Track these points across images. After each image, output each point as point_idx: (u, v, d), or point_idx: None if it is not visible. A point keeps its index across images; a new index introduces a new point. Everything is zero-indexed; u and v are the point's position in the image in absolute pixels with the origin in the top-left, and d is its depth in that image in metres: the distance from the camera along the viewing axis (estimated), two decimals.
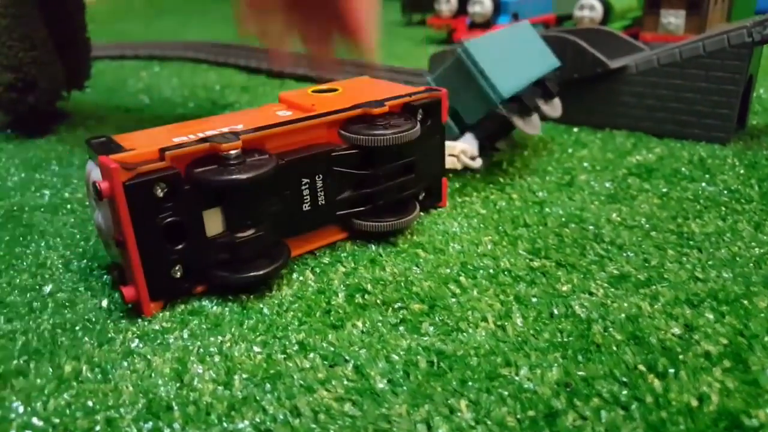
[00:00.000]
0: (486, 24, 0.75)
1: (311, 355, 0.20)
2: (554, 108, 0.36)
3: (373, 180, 0.26)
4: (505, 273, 0.24)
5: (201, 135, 0.23)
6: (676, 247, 0.26)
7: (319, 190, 0.25)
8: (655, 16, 0.64)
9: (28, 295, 0.24)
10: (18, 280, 0.25)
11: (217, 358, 0.20)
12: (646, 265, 0.24)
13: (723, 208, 0.29)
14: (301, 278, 0.24)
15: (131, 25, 1.08)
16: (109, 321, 0.22)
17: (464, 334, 0.20)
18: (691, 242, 0.26)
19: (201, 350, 0.20)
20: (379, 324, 0.21)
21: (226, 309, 0.22)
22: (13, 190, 0.34)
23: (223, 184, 0.21)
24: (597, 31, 0.46)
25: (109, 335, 0.21)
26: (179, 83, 0.62)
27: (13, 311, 0.23)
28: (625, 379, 0.18)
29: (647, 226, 0.28)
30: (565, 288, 0.23)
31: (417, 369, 0.19)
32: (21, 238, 0.28)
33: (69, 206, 0.32)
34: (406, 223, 0.27)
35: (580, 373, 0.18)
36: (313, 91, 0.29)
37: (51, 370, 0.19)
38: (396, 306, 0.22)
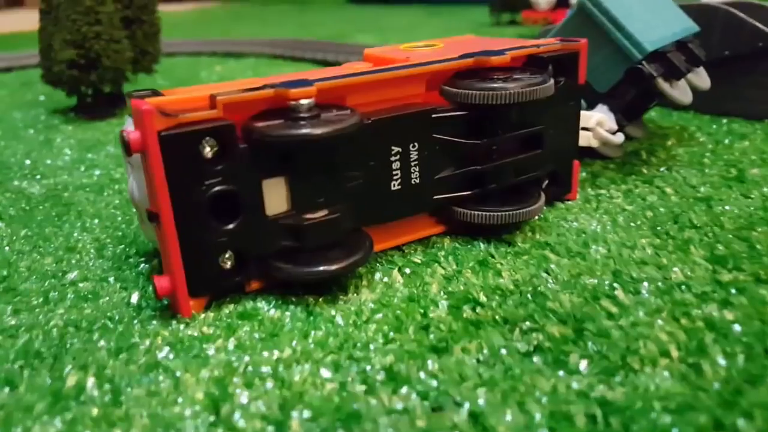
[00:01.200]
0: None
1: (404, 389, 0.13)
2: (702, 78, 0.28)
3: (485, 154, 0.20)
4: (682, 288, 0.17)
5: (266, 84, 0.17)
6: None
7: (413, 163, 0.19)
8: None
9: (46, 283, 0.19)
10: (39, 265, 0.20)
11: (270, 383, 0.14)
12: None
13: None
14: (386, 280, 0.18)
15: (212, 30, 1.07)
16: (135, 321, 0.16)
17: (638, 375, 0.13)
18: None
19: (250, 369, 0.14)
20: (503, 351, 0.14)
21: (287, 314, 0.16)
22: (61, 169, 0.30)
23: (291, 140, 0.15)
24: (748, 4, 0.37)
25: (132, 339, 0.15)
26: (253, 75, 0.58)
27: (23, 301, 0.18)
28: None
29: None
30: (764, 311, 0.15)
31: (571, 427, 0.12)
32: (56, 218, 0.24)
33: (116, 187, 0.27)
34: (529, 215, 0.20)
35: None
36: (410, 47, 0.23)
37: (49, 381, 0.14)
38: (525, 327, 0.15)
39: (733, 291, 0.17)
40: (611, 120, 0.25)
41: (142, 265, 0.20)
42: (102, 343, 0.15)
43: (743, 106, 0.34)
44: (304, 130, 0.15)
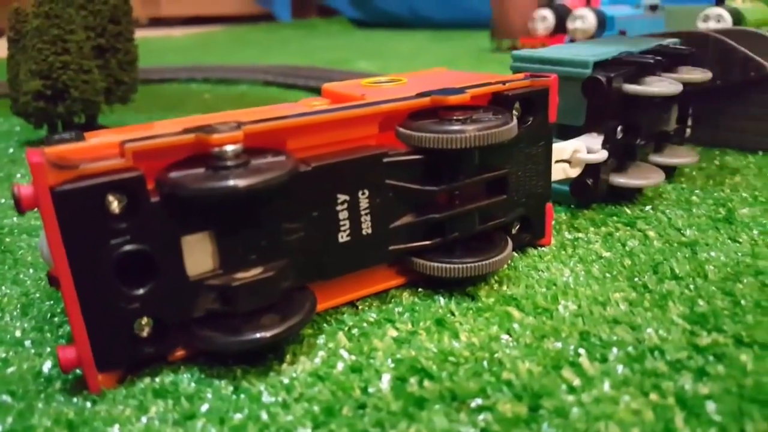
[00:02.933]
0: None
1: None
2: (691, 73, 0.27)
3: (444, 201, 0.18)
4: (655, 354, 0.15)
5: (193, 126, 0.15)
6: None
7: (363, 212, 0.17)
8: None
9: None
10: None
11: None
12: None
13: None
14: (330, 345, 0.16)
15: (212, 55, 1.07)
16: (40, 396, 0.15)
17: None
18: None
19: None
20: None
21: (209, 390, 0.15)
22: (12, 209, 0.29)
23: (210, 194, 0.14)
24: (741, 32, 0.36)
25: (32, 420, 0.14)
26: (241, 103, 0.57)
27: None
28: None
29: None
30: (754, 381, 0.14)
31: None
32: None
33: None
34: (494, 266, 0.18)
35: None
36: (372, 82, 0.21)
37: None
38: (474, 404, 0.13)
39: (711, 358, 0.15)
40: (593, 140, 0.23)
41: (66, 326, 0.18)
42: None
43: (737, 137, 0.33)
44: (226, 182, 0.14)
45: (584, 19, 0.66)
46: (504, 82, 0.19)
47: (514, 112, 0.19)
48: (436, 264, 0.18)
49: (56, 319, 0.18)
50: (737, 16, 0.57)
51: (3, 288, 0.20)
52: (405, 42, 1.15)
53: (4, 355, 0.16)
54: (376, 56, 0.91)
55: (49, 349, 0.17)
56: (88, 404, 0.14)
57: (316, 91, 0.59)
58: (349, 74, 0.64)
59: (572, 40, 0.68)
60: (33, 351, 0.17)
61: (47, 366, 0.16)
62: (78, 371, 0.15)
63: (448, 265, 0.18)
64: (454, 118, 0.17)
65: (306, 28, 1.52)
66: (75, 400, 0.14)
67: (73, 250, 0.13)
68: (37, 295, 0.20)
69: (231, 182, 0.14)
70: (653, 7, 0.66)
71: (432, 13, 1.32)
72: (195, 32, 1.45)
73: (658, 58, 0.25)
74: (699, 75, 0.26)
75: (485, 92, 0.19)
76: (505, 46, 0.99)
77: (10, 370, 0.16)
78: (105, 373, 0.14)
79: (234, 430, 0.13)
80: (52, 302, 0.19)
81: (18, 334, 0.17)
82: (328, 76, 0.64)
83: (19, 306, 0.19)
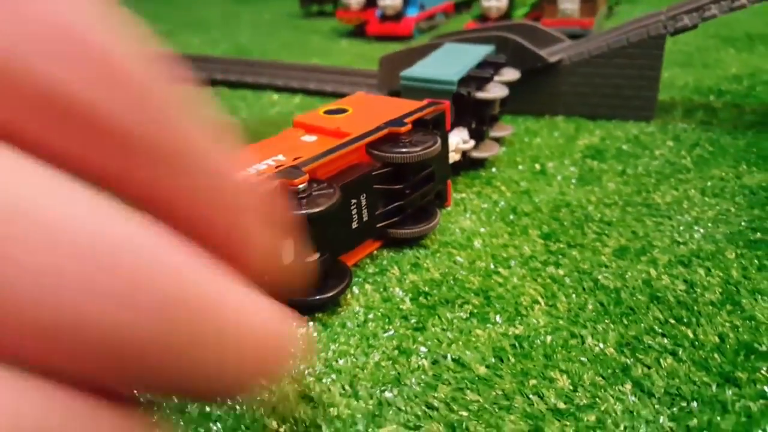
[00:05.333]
0: (397, 16, 0.79)
1: (413, 358, 0.23)
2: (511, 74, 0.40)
3: (403, 193, 0.29)
4: (533, 259, 0.28)
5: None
6: (650, 217, 0.31)
7: (363, 207, 0.28)
8: (552, 4, 0.71)
9: None
10: None
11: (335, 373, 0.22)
12: (636, 236, 0.30)
13: (671, 180, 0.35)
14: (361, 291, 0.27)
15: None
16: None
17: (526, 318, 0.24)
18: (660, 212, 0.32)
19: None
20: (455, 321, 0.25)
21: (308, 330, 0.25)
22: None
23: (303, 216, 0.24)
24: (525, 26, 0.51)
25: None
26: None
27: None
28: (663, 332, 0.23)
29: (621, 202, 0.33)
30: (584, 265, 0.28)
31: (505, 352, 0.23)
32: None
33: None
34: (435, 226, 0.30)
35: (630, 333, 0.23)
36: (325, 112, 0.31)
37: None
38: (459, 302, 0.26)
39: (560, 255, 0.29)
40: (462, 133, 0.36)
41: None
42: None
43: (530, 107, 0.48)
44: (311, 209, 0.24)
45: None
46: (421, 109, 0.31)
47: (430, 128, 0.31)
48: (403, 230, 0.29)
49: None
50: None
51: None
52: (209, 8, 1.17)
53: None
54: (196, 27, 0.94)
55: None
56: None
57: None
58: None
59: (383, 15, 0.80)
60: None
61: None
62: None
63: (410, 230, 0.30)
64: (406, 141, 0.28)
65: None
66: None
67: None
68: None
69: (309, 210, 0.24)
70: None
71: None
72: None
73: (490, 70, 0.38)
74: (514, 76, 0.40)
75: (415, 118, 0.30)
76: (313, 10, 1.08)
77: None
78: None
79: (343, 343, 0.24)
80: None
81: None
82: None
83: None
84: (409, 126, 0.29)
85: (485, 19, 0.71)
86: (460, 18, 0.94)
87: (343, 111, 0.32)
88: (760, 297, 0.25)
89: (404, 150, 0.28)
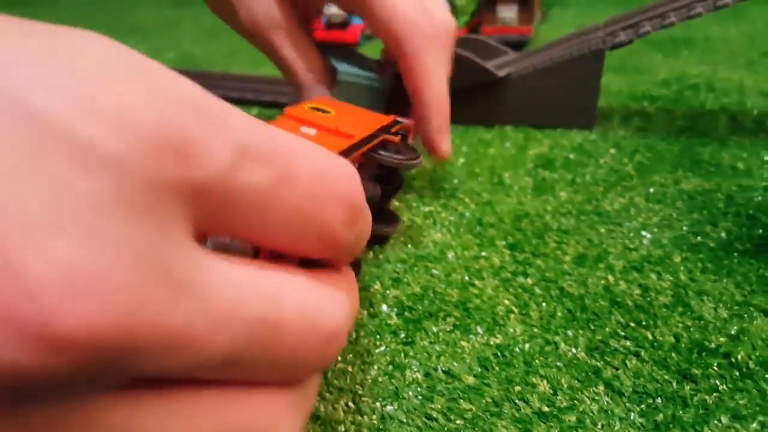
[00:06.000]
0: (343, 24, 0.80)
1: (407, 372, 0.24)
2: None
3: (389, 194, 0.31)
4: (503, 270, 0.31)
5: None
6: (603, 225, 0.34)
7: None
8: (492, 12, 0.74)
9: None
10: None
11: None
12: (592, 243, 0.33)
13: (617, 187, 0.39)
14: None
15: None
16: None
17: (504, 327, 0.27)
18: (610, 219, 0.35)
19: None
20: (440, 333, 0.26)
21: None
22: None
23: None
24: (470, 40, 0.54)
25: None
26: None
27: None
28: (625, 334, 0.26)
29: (574, 211, 0.36)
30: (549, 274, 0.30)
31: (489, 362, 0.25)
32: None
33: None
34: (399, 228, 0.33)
35: (597, 337, 0.26)
36: (311, 109, 0.32)
37: None
38: (442, 315, 0.28)
39: (526, 265, 0.31)
40: None
41: None
42: None
43: (480, 118, 0.50)
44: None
45: None
46: (394, 123, 0.32)
47: None
48: (388, 229, 0.31)
49: None
50: (452, 4, 0.76)
51: None
52: (147, 10, 1.14)
53: None
54: (136, 33, 0.92)
55: None
56: None
57: None
58: None
59: (329, 23, 0.81)
60: None
61: None
62: None
63: (389, 229, 0.31)
64: (398, 148, 0.30)
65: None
66: None
67: None
68: None
69: None
70: None
71: None
72: None
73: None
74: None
75: (398, 129, 0.32)
76: None
77: None
78: None
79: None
80: None
81: None
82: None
83: None
84: (400, 136, 0.30)
85: None
86: None
87: (326, 111, 0.32)
88: (705, 298, 0.28)
89: (406, 156, 0.29)
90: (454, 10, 0.73)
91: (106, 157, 0.09)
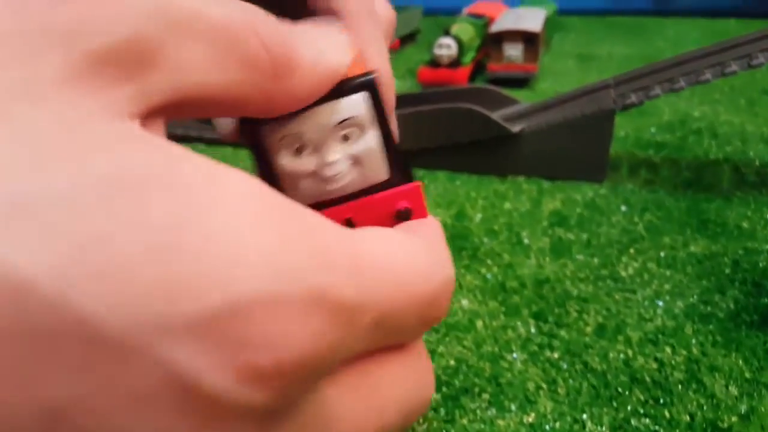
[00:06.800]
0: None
1: None
2: None
3: None
4: (529, 342, 0.33)
5: None
6: (618, 292, 0.37)
7: None
8: (498, 51, 0.76)
9: None
10: None
11: None
12: (610, 313, 0.35)
13: (630, 250, 0.41)
14: None
15: None
16: None
17: (535, 405, 0.29)
18: (626, 285, 0.37)
19: None
20: (478, 411, 0.29)
21: None
22: None
23: None
24: (478, 90, 0.56)
25: None
26: None
27: None
28: (644, 412, 0.28)
29: (592, 277, 0.39)
30: (573, 347, 0.33)
31: None
32: None
33: None
34: None
35: (620, 415, 0.28)
36: None
37: None
38: (477, 391, 0.30)
39: (551, 337, 0.33)
40: None
41: None
42: None
43: (494, 168, 0.53)
44: None
45: None
46: None
47: None
48: None
49: None
50: (459, 42, 0.79)
51: None
52: None
53: None
54: None
55: None
56: None
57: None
58: None
59: None
60: None
61: None
62: None
63: None
64: None
65: None
66: None
67: None
68: None
69: None
70: None
71: None
72: None
73: None
74: None
75: None
76: None
77: None
78: None
79: None
80: None
81: None
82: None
83: None
84: None
85: (437, 65, 0.76)
86: (406, 53, 0.98)
87: None
88: (717, 374, 0.30)
89: None
90: (461, 47, 0.76)
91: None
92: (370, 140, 0.16)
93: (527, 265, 0.40)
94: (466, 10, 0.94)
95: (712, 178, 0.51)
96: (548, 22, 0.89)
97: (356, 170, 0.16)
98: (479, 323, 0.35)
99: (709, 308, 0.35)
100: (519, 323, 0.34)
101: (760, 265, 0.39)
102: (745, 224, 0.44)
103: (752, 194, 0.48)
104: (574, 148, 0.50)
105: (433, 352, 0.32)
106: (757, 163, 0.53)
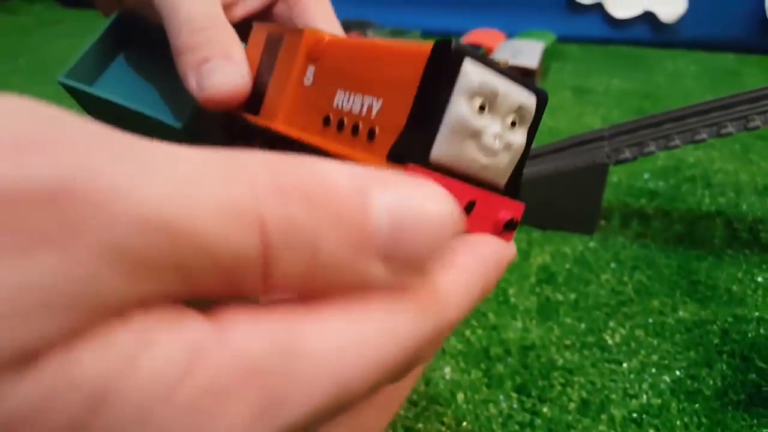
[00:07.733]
0: None
1: None
2: None
3: None
4: (510, 420, 0.32)
5: None
6: (604, 362, 0.36)
7: None
8: None
9: None
10: None
11: None
12: (594, 387, 0.34)
13: (618, 316, 0.40)
14: None
15: None
16: None
17: None
18: (612, 355, 0.37)
19: None
20: None
21: None
22: None
23: None
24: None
25: None
26: None
27: None
28: None
29: (578, 344, 0.38)
30: (554, 426, 0.32)
31: None
32: None
33: None
34: None
35: None
36: None
37: None
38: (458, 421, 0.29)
39: (533, 414, 0.33)
40: None
41: None
42: None
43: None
44: None
45: None
46: None
47: None
48: None
49: None
50: None
51: None
52: (53, 44, 1.15)
53: None
54: (45, 71, 0.92)
55: None
56: None
57: None
58: None
59: None
60: None
61: None
62: None
63: None
64: None
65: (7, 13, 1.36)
66: None
67: None
68: None
69: None
70: None
71: None
72: None
73: None
74: None
75: None
76: None
77: None
78: None
79: None
80: None
81: None
82: None
83: None
84: None
85: None
86: None
87: None
88: None
89: None
90: None
91: None
92: (521, 139, 0.16)
93: (513, 327, 0.39)
94: (463, 40, 0.93)
95: (704, 233, 0.50)
96: (546, 53, 0.88)
97: (501, 158, 0.16)
98: (460, 396, 0.34)
99: (695, 384, 0.34)
100: (501, 397, 0.34)
101: (749, 335, 0.38)
102: (735, 287, 0.43)
103: (743, 253, 0.47)
104: (566, 199, 0.49)
105: (410, 429, 0.32)
106: (750, 218, 0.53)
